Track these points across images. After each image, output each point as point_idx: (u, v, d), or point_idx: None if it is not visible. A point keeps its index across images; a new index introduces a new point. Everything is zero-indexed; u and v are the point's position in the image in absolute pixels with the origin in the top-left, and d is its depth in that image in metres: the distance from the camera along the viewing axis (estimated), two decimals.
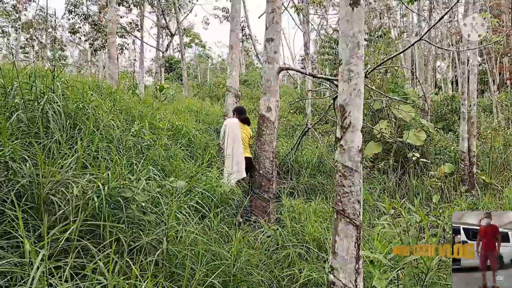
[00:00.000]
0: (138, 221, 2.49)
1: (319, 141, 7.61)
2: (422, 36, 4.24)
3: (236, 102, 6.43)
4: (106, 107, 4.30)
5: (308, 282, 2.89)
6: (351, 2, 2.18)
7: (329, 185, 5.66)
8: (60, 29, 28.81)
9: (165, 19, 17.82)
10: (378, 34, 21.68)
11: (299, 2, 13.30)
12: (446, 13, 4.95)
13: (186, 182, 3.24)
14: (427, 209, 5.30)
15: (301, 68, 19.97)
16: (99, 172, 2.62)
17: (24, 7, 23.78)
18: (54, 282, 1.81)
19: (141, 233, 2.38)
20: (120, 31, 18.96)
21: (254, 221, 4.27)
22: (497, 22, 19.08)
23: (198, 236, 2.68)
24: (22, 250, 2.04)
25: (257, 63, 40.28)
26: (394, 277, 2.45)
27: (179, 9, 18.41)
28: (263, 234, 3.54)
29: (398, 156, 7.90)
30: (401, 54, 17.26)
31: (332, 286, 2.22)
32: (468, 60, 8.91)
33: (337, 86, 5.72)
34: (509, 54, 22.81)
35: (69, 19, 18.25)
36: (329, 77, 5.29)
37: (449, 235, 2.84)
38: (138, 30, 19.45)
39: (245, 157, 4.90)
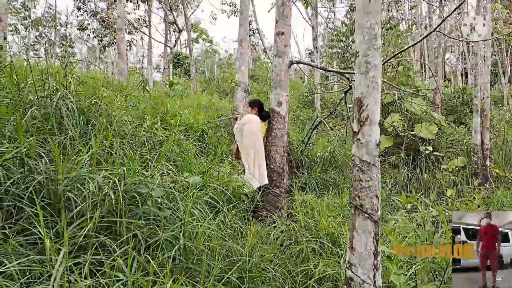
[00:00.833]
0: (154, 217, 2.49)
1: (331, 135, 7.56)
2: (437, 27, 4.17)
3: (245, 97, 6.40)
4: (118, 103, 4.30)
5: (323, 278, 2.86)
6: None
7: (341, 179, 5.62)
8: (69, 26, 28.98)
9: (172, 15, 17.84)
10: (388, 27, 21.43)
11: None
12: (461, 3, 4.86)
13: (200, 177, 3.24)
14: (442, 203, 5.24)
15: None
16: (114, 168, 2.62)
17: (33, 4, 23.95)
18: (73, 278, 1.81)
19: (157, 229, 2.37)
20: (128, 27, 19.03)
21: (265, 216, 4.23)
22: (508, 13, 18.74)
23: (213, 232, 2.67)
24: (40, 247, 2.05)
25: (263, 58, 40.13)
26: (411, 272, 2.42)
27: (187, 4, 18.38)
28: (276, 230, 3.52)
29: (409, 149, 7.82)
30: (410, 48, 17.04)
31: (350, 282, 2.20)
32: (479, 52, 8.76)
33: (348, 79, 5.70)
34: None
35: (77, 16, 18.36)
36: (340, 70, 5.27)
37: None
38: (146, 27, 19.50)
39: None
